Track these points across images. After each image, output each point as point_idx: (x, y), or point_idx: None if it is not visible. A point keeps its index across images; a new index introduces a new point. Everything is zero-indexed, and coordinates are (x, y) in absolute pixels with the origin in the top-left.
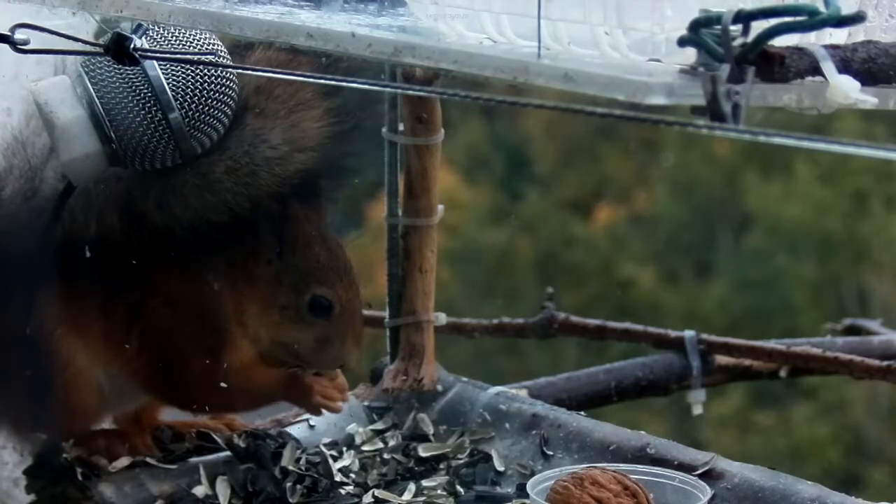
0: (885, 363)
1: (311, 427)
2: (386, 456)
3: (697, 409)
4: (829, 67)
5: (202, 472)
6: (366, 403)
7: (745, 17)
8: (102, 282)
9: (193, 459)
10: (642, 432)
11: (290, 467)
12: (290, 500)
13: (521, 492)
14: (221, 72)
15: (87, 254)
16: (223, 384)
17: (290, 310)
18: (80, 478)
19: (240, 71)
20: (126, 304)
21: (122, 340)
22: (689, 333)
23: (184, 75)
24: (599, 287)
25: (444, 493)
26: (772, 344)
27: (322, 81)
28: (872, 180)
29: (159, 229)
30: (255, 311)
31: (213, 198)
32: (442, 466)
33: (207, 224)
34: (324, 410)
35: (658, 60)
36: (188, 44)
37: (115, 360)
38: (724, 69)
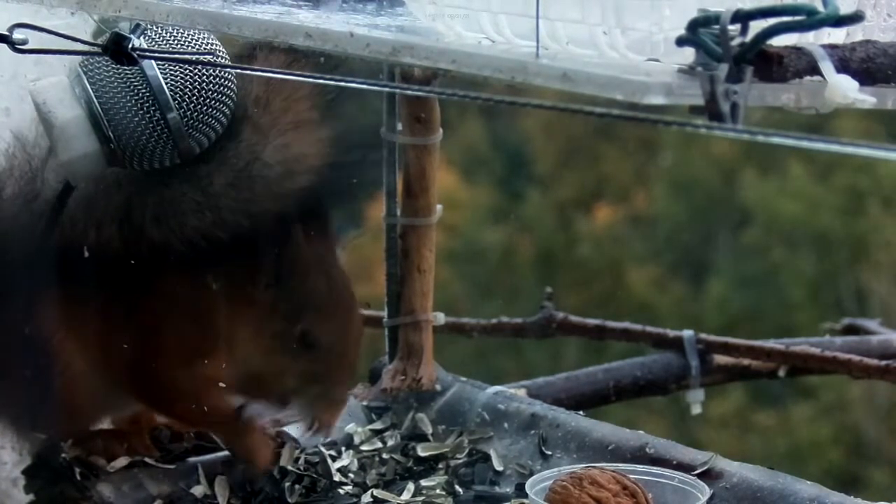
0: (883, 363)
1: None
2: (385, 456)
3: (696, 409)
4: (827, 67)
5: (201, 471)
6: (364, 403)
7: (743, 17)
8: (100, 286)
9: (192, 459)
10: (641, 432)
11: (289, 467)
12: (289, 500)
13: (520, 491)
14: (220, 71)
15: (86, 257)
16: (194, 397)
17: (280, 339)
18: (78, 478)
19: (239, 71)
20: (121, 307)
21: (115, 342)
22: (687, 333)
23: (182, 75)
24: (598, 286)
25: (443, 492)
26: (770, 343)
27: (322, 81)
28: (870, 179)
29: (157, 243)
30: (246, 334)
31: (211, 214)
32: (441, 466)
33: (207, 240)
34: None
35: (656, 60)
36: (186, 43)
37: (107, 361)
38: (723, 69)
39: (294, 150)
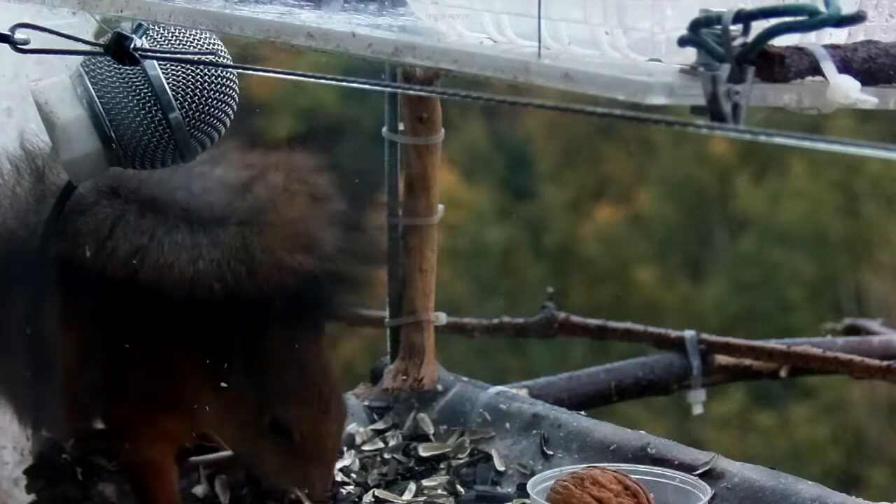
0: (885, 363)
1: None
2: (386, 455)
3: (698, 409)
4: (829, 67)
5: (201, 471)
6: (366, 403)
7: (745, 17)
8: (96, 298)
9: (193, 459)
10: (643, 432)
11: None
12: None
13: (522, 491)
14: (222, 71)
15: (86, 267)
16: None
17: (250, 428)
18: (80, 477)
19: (240, 71)
20: (108, 333)
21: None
22: (689, 333)
23: (184, 75)
24: (600, 286)
25: (445, 492)
26: (772, 344)
27: (322, 81)
28: (868, 179)
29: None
30: (215, 418)
31: (213, 274)
32: (442, 466)
33: (188, 294)
34: None
35: (658, 60)
36: (189, 43)
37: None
38: (725, 69)
39: (298, 230)
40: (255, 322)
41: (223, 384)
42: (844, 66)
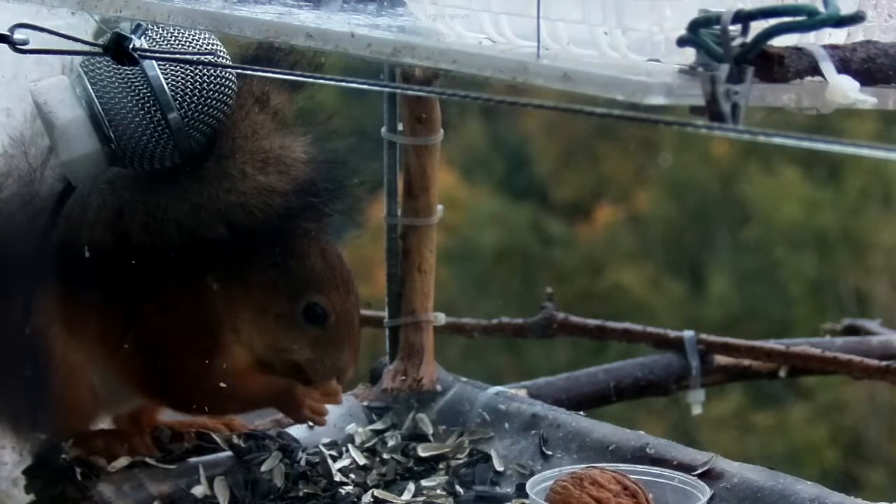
0: (883, 363)
1: (311, 427)
2: (385, 456)
3: (697, 409)
4: (828, 67)
5: (201, 472)
6: (365, 403)
7: (744, 18)
8: (97, 284)
9: (192, 459)
10: (641, 432)
11: (289, 468)
12: (290, 500)
13: (521, 492)
14: (220, 71)
15: (83, 258)
16: (216, 387)
17: (284, 317)
18: (79, 478)
19: (239, 71)
20: (120, 307)
21: (117, 342)
22: (688, 333)
23: (183, 75)
24: (598, 286)
25: (444, 492)
26: (771, 344)
27: (322, 82)
28: (868, 179)
29: (146, 249)
30: (250, 317)
31: (207, 217)
32: (441, 466)
33: (197, 242)
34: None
35: (657, 60)
36: (187, 44)
37: (110, 361)
38: (724, 69)
39: (277, 154)
40: (267, 225)
41: (250, 289)
42: (843, 67)
